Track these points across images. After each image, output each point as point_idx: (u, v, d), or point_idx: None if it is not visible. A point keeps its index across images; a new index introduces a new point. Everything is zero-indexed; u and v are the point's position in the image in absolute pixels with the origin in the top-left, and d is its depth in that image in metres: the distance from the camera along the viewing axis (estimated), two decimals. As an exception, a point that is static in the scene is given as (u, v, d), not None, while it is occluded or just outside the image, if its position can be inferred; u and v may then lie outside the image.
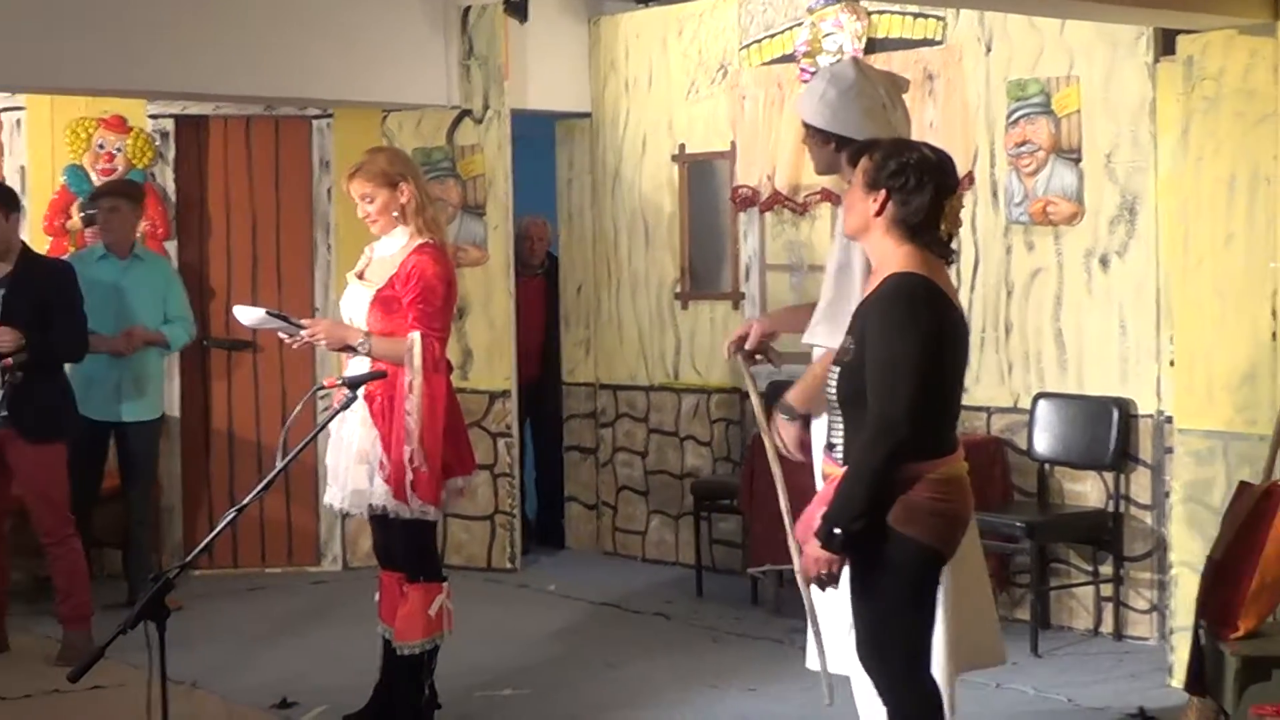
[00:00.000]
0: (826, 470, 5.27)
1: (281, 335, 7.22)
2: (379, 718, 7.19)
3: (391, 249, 7.07)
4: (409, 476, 6.89)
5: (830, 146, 6.25)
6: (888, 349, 5.06)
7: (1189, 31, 7.45)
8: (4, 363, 8.11)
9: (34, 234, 10.18)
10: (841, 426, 5.23)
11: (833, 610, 6.18)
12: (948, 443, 5.17)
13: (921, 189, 5.14)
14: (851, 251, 5.94)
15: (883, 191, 5.17)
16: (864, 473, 5.01)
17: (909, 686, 5.23)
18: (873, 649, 5.28)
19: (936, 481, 5.09)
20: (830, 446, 5.28)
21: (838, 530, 4.99)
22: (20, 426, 8.27)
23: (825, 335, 5.98)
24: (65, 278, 8.59)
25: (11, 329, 8.17)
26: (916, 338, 5.02)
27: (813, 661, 6.28)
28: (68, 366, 8.70)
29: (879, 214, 5.18)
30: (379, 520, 7.12)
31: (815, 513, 5.18)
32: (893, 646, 5.23)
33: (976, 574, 6.11)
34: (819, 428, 5.82)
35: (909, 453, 5.01)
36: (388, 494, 6.95)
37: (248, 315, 7.15)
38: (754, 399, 6.30)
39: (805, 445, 6.05)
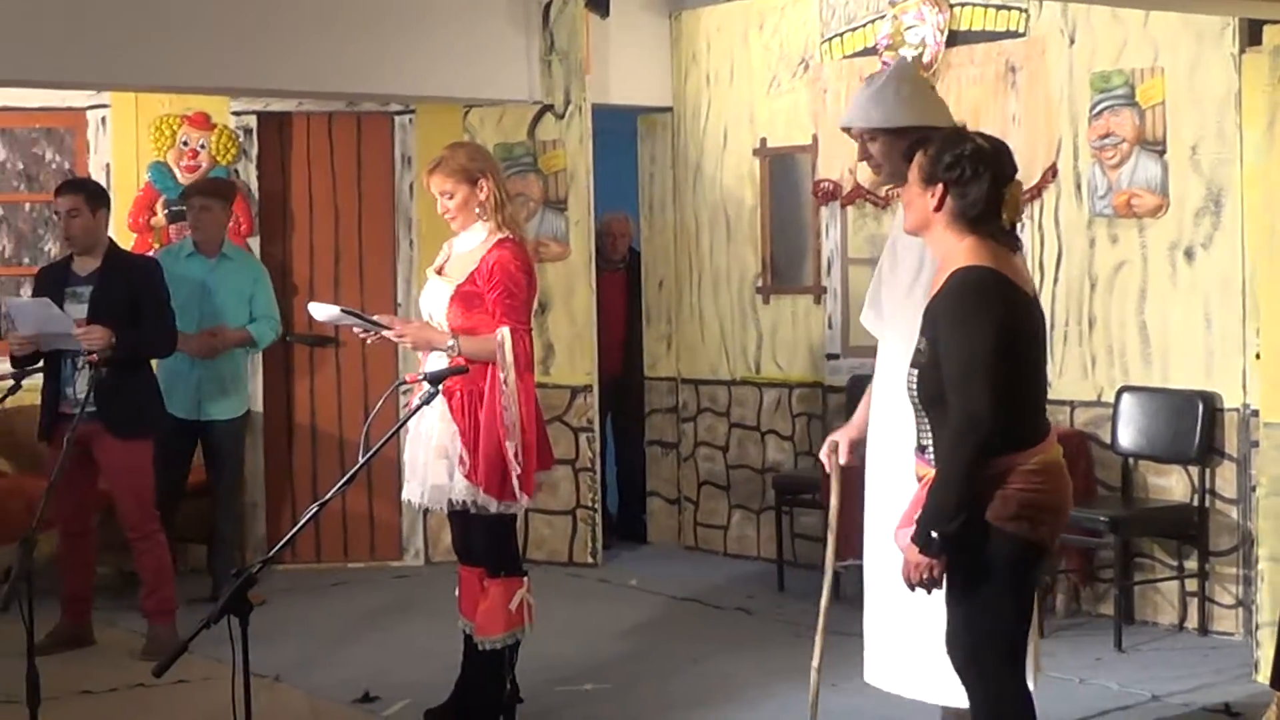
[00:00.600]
0: (920, 472, 5.21)
1: (357, 331, 7.26)
2: (461, 712, 7.20)
3: (471, 244, 7.08)
4: (515, 471, 6.92)
5: (903, 145, 6.22)
6: (961, 346, 5.02)
7: (1275, 22, 7.40)
8: (90, 358, 8.18)
9: (119, 230, 10.27)
10: (929, 427, 5.20)
11: (890, 626, 6.19)
12: (1037, 430, 5.12)
13: (979, 179, 5.10)
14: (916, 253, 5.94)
15: (940, 185, 5.14)
16: (953, 472, 4.97)
17: (1004, 689, 5.17)
18: (968, 650, 5.21)
19: (1030, 472, 5.04)
20: (921, 448, 5.23)
21: (935, 534, 4.96)
22: (108, 422, 8.32)
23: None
24: (152, 274, 8.65)
25: (102, 327, 8.23)
26: (989, 330, 4.98)
27: (872, 676, 6.30)
28: (154, 362, 8.77)
29: (938, 209, 5.15)
30: (458, 516, 7.13)
31: (912, 515, 5.15)
32: (990, 648, 5.15)
33: None
34: (900, 428, 5.78)
35: (997, 446, 4.97)
36: (471, 489, 6.97)
37: (321, 312, 7.17)
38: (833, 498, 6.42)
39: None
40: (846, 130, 6.40)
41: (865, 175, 9.84)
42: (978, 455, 4.95)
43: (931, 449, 5.17)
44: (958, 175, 5.12)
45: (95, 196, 8.56)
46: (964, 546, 5.01)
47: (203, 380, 9.47)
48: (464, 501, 7.01)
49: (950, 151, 5.16)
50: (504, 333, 6.89)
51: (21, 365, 8.09)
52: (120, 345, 8.21)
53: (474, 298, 6.96)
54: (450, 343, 6.98)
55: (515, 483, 6.88)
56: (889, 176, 6.31)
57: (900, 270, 6.18)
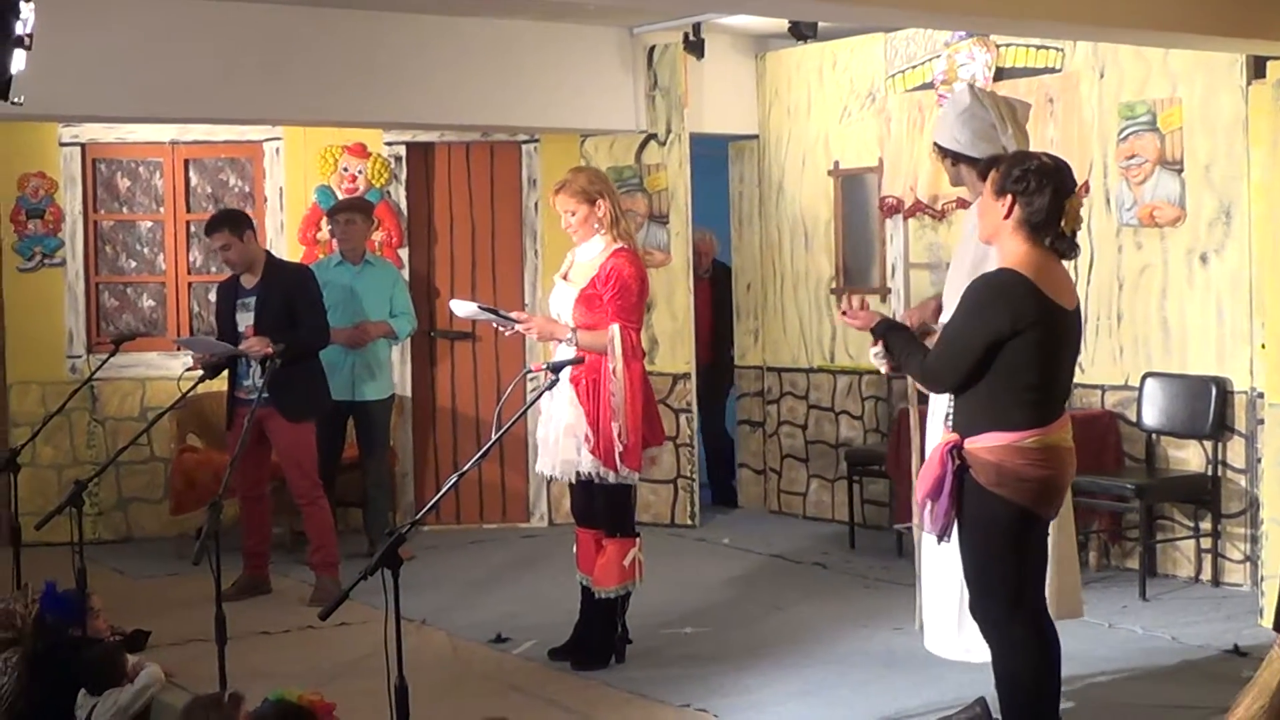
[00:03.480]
0: (947, 439, 5.28)
1: (494, 325, 7.34)
2: (578, 649, 7.28)
3: (591, 254, 7.15)
4: (618, 448, 6.97)
5: (948, 161, 6.27)
6: (959, 323, 5.16)
7: (1278, 57, 7.35)
8: (266, 351, 8.30)
9: (290, 245, 10.43)
10: (950, 397, 5.28)
11: (941, 593, 6.20)
12: (1043, 417, 5.14)
13: (1041, 191, 5.13)
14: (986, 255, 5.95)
15: (1009, 196, 5.17)
16: (909, 367, 5.38)
17: (1012, 625, 5.22)
18: (976, 594, 5.28)
19: (1026, 449, 5.09)
20: (946, 416, 5.30)
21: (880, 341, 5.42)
22: (280, 407, 8.45)
23: None
24: (306, 280, 8.77)
25: (261, 338, 8.33)
26: (989, 326, 5.05)
27: (931, 643, 6.30)
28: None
29: (1007, 216, 5.18)
30: (582, 484, 7.18)
31: (924, 474, 5.22)
32: (991, 592, 5.22)
33: (1065, 535, 6.07)
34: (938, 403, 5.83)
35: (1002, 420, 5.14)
36: (594, 463, 7.03)
37: (462, 308, 7.26)
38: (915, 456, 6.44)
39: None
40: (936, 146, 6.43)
41: (924, 191, 9.85)
42: (924, 382, 5.36)
43: (953, 417, 5.23)
44: (1024, 187, 5.15)
45: (237, 225, 8.60)
46: (965, 505, 5.13)
47: (355, 367, 9.58)
48: (589, 473, 7.09)
49: (1019, 167, 5.20)
50: (614, 329, 6.96)
51: (209, 371, 8.25)
52: (284, 346, 8.30)
53: (595, 299, 7.03)
54: (569, 335, 7.06)
55: (617, 457, 6.96)
56: (950, 179, 6.39)
57: (957, 273, 6.20)
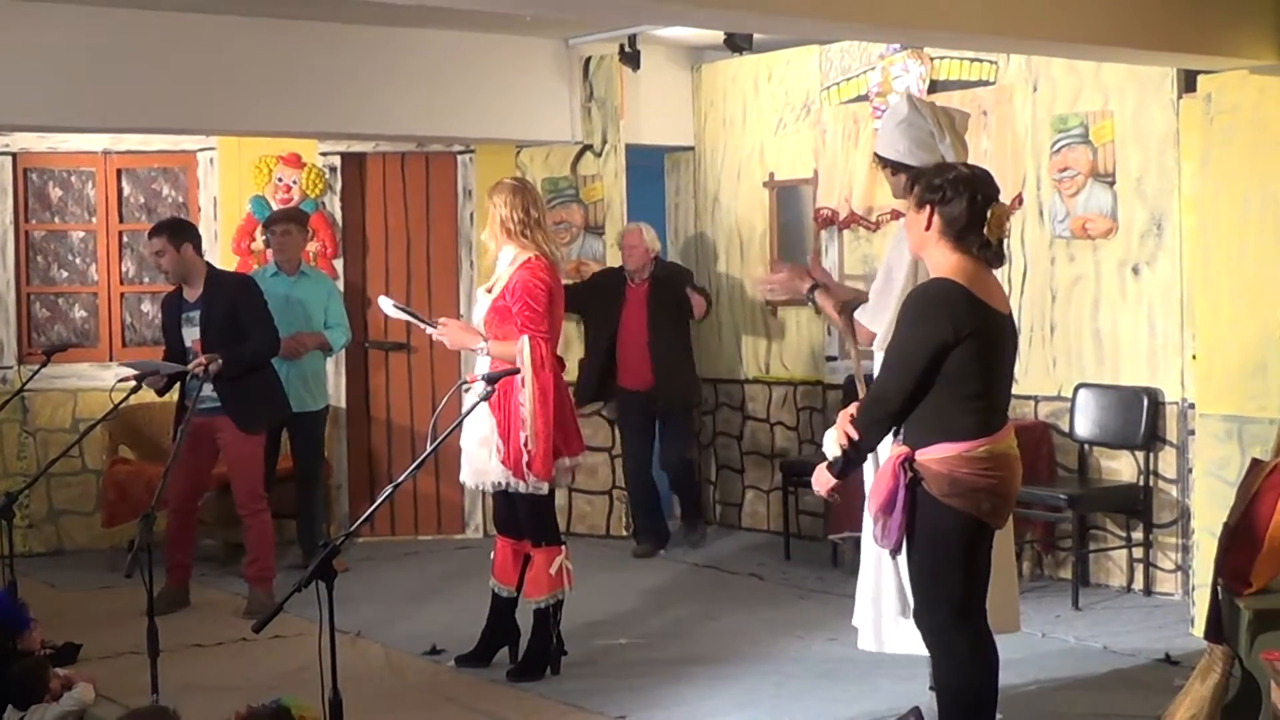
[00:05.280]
0: (896, 451, 5.28)
1: (418, 325, 7.32)
2: (484, 657, 7.36)
3: (504, 263, 7.15)
4: (525, 458, 6.97)
5: (888, 171, 6.29)
6: (900, 339, 5.16)
7: (1208, 72, 7.40)
8: (217, 369, 8.19)
9: (223, 255, 10.35)
10: None
11: (884, 594, 6.19)
12: (989, 425, 5.15)
13: (959, 198, 5.14)
14: (899, 256, 5.98)
15: (928, 207, 5.19)
16: (861, 423, 5.17)
17: (957, 635, 5.22)
18: (923, 605, 5.28)
19: (975, 459, 5.10)
20: (895, 431, 5.29)
21: (832, 456, 5.23)
22: (233, 416, 8.42)
23: (867, 318, 6.08)
24: (249, 290, 8.70)
25: (210, 355, 8.23)
26: (927, 338, 5.06)
27: (864, 642, 6.29)
28: None
29: (928, 228, 5.19)
30: (501, 494, 7.21)
31: (876, 487, 5.22)
32: (938, 602, 5.22)
33: (1004, 549, 6.08)
34: None
35: (902, 427, 5.19)
36: (504, 472, 7.05)
37: (387, 305, 7.26)
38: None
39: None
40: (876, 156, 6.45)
41: (859, 203, 9.87)
42: (876, 423, 5.17)
43: (902, 430, 5.22)
44: (939, 196, 5.15)
45: (177, 234, 8.50)
46: (916, 517, 5.12)
47: (291, 378, 9.50)
48: (500, 482, 7.09)
49: (936, 177, 5.21)
50: (523, 340, 6.96)
51: (162, 391, 8.17)
52: (227, 364, 8.26)
53: (505, 310, 7.04)
54: (481, 345, 7.07)
55: (524, 466, 6.96)
56: (893, 191, 6.37)
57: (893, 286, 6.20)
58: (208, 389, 8.24)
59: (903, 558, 5.32)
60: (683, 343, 10.29)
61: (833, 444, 5.25)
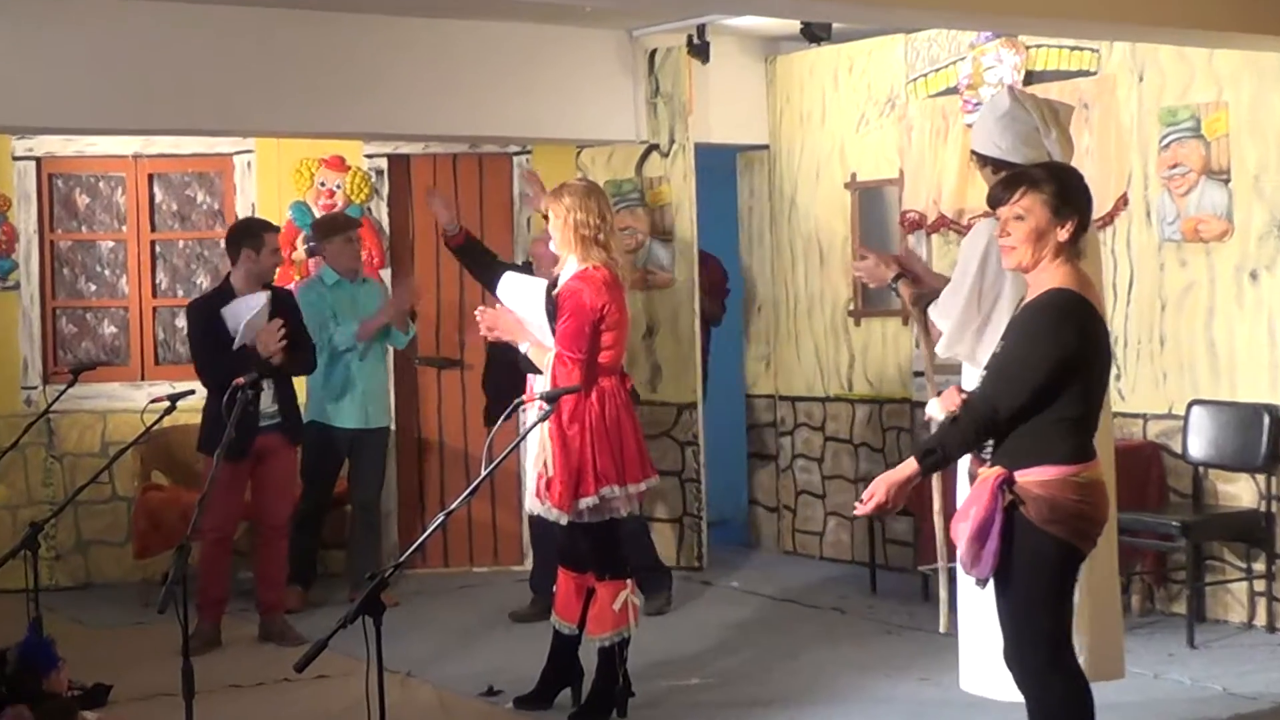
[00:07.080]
0: (974, 471, 5.22)
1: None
2: (545, 698, 7.32)
3: (567, 275, 7.11)
4: (542, 482, 6.97)
5: (988, 170, 6.23)
6: (1020, 350, 5.08)
7: (1332, 57, 7.33)
8: (237, 382, 8.19)
9: (263, 264, 10.37)
10: None
11: (979, 630, 6.12)
12: (1087, 449, 5.12)
13: (1090, 205, 5.22)
14: (972, 250, 5.95)
15: (1074, 218, 5.10)
16: (962, 435, 5.09)
17: (1054, 674, 5.16)
18: (1016, 642, 5.21)
19: (1080, 485, 5.05)
20: (980, 449, 5.23)
21: (926, 456, 5.10)
22: (288, 431, 8.65)
23: (937, 314, 6.08)
24: (293, 303, 8.87)
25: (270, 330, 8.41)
26: (1052, 353, 5.00)
27: (968, 683, 6.22)
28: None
29: (1071, 240, 5.11)
30: (568, 524, 7.12)
31: (966, 511, 5.15)
32: (1035, 639, 5.16)
33: (1108, 586, 6.01)
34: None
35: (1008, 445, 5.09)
36: (534, 499, 7.04)
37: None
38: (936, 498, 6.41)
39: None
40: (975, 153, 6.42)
41: (949, 205, 9.80)
42: (979, 436, 5.09)
43: (988, 449, 5.16)
44: (1086, 202, 5.19)
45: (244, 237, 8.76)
46: (1014, 544, 5.05)
47: (365, 393, 9.60)
48: (532, 510, 7.10)
49: (1077, 181, 5.21)
50: (549, 358, 6.96)
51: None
52: (288, 360, 8.52)
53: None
54: (524, 346, 7.05)
55: (544, 491, 6.93)
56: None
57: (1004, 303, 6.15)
58: (268, 404, 8.44)
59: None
60: None
61: (940, 409, 5.19)
